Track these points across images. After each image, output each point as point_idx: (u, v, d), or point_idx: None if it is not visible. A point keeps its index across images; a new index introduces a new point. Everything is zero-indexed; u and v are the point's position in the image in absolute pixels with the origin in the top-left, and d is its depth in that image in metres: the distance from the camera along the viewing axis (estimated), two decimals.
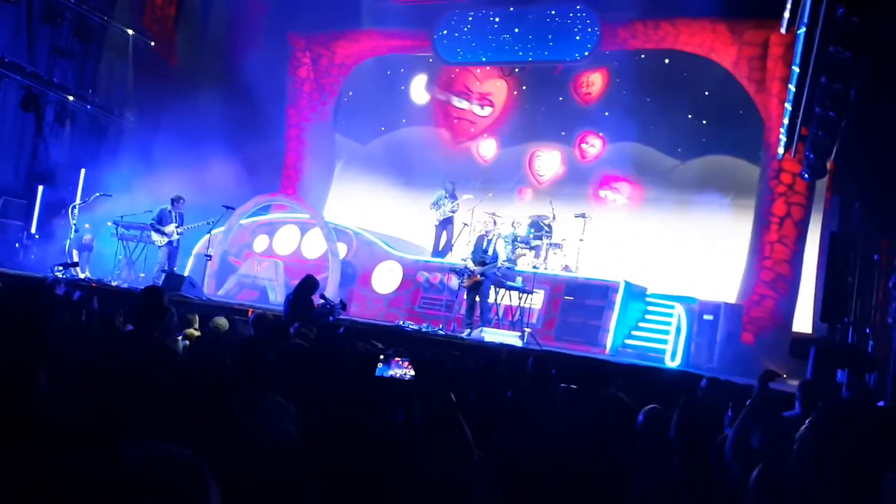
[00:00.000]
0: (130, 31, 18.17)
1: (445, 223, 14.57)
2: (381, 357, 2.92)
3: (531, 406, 4.69)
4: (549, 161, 17.47)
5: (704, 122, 15.55)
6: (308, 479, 2.80)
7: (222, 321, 7.30)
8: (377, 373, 2.89)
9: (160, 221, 13.34)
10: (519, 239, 13.51)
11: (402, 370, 2.89)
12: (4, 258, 14.04)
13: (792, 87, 9.35)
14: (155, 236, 13.34)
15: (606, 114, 16.27)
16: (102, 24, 17.70)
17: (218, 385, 3.97)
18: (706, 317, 12.17)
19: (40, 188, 16.24)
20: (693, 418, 3.82)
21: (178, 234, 13.26)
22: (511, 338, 10.50)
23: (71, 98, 17.26)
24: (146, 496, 1.55)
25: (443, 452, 2.58)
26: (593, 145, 16.95)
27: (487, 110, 18.16)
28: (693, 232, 14.68)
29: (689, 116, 15.63)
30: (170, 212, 13.37)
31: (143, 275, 14.31)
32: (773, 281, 13.46)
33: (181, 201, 13.46)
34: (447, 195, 14.58)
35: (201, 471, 1.63)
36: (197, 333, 6.95)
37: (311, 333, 6.13)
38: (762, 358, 12.37)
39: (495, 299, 11.97)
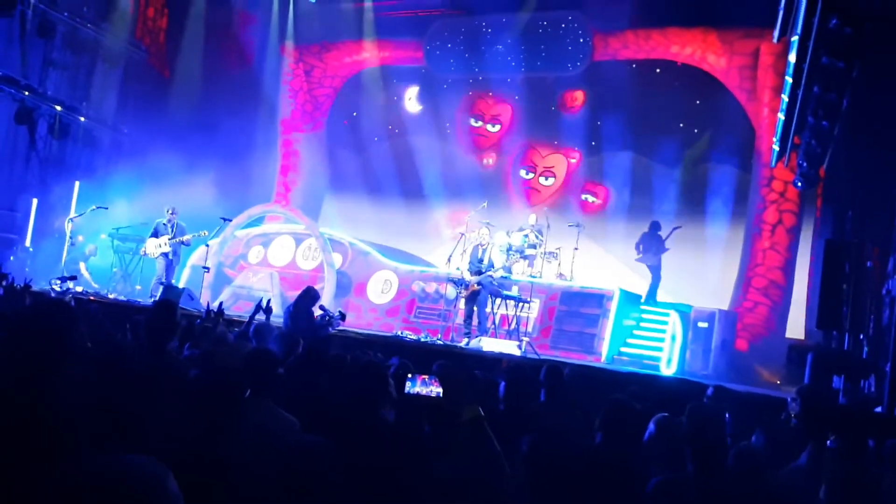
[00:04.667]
0: (123, 44, 18.18)
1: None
2: (409, 374, 2.97)
3: (546, 415, 4.76)
4: (542, 171, 17.56)
5: (696, 130, 15.69)
6: (329, 493, 2.84)
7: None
8: (405, 390, 2.95)
9: (156, 234, 13.36)
10: (513, 248, 13.57)
11: (429, 387, 2.94)
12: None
13: (785, 97, 9.46)
14: (148, 247, 13.34)
15: (598, 123, 16.41)
16: (95, 37, 17.71)
17: (227, 397, 4.01)
18: (701, 324, 12.29)
19: (34, 201, 16.21)
20: (701, 425, 3.89)
21: (166, 245, 13.23)
22: (510, 347, 10.55)
23: (64, 110, 17.25)
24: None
25: (473, 464, 2.64)
26: (583, 154, 17.08)
27: (497, 127, 18.24)
28: (685, 240, 14.78)
29: (681, 125, 15.76)
30: (165, 224, 13.39)
31: (139, 287, 14.31)
32: (765, 288, 13.59)
33: (174, 213, 13.48)
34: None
35: (166, 486, 1.65)
36: None
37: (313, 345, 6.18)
38: (756, 365, 12.51)
39: (492, 309, 12.02)
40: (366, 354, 6.56)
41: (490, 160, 18.17)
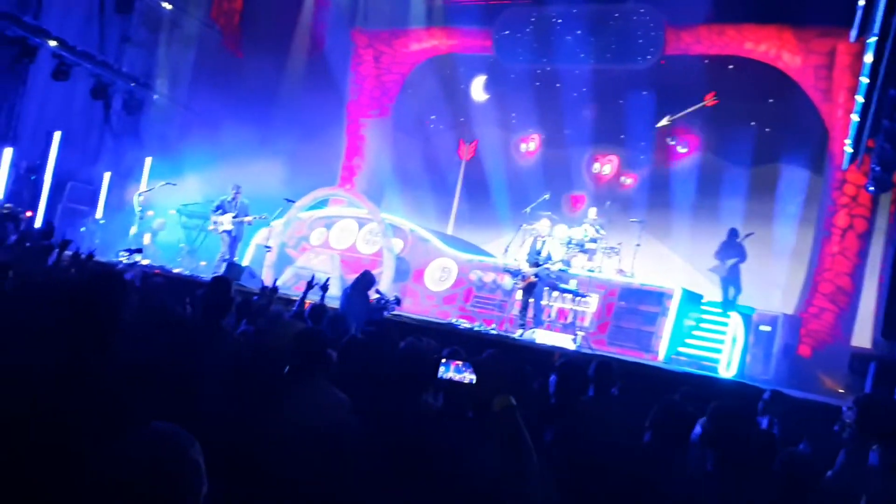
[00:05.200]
0: (198, 23, 18.52)
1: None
2: (443, 359, 2.98)
3: (593, 410, 4.73)
4: (607, 165, 17.39)
5: (767, 129, 15.32)
6: (364, 470, 2.86)
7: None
8: (438, 375, 2.95)
9: (221, 210, 13.51)
10: (573, 242, 13.45)
11: (463, 373, 2.94)
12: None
13: (860, 98, 9.20)
14: (213, 222, 13.48)
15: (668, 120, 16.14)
16: (171, 16, 18.08)
17: (277, 374, 4.08)
18: (763, 328, 12.03)
19: (107, 175, 16.65)
20: (722, 425, 3.85)
21: (229, 223, 13.30)
22: (564, 340, 10.49)
23: (138, 86, 17.66)
24: (137, 478, 1.62)
25: (502, 454, 2.64)
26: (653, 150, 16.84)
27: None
28: (752, 241, 14.47)
29: (752, 124, 15.41)
30: (230, 202, 13.57)
31: (203, 263, 14.59)
32: (832, 294, 13.23)
33: (238, 192, 13.59)
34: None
35: (195, 460, 1.69)
36: None
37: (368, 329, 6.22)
38: (819, 372, 12.21)
39: (548, 301, 11.95)
40: (420, 341, 6.59)
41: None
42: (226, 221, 13.35)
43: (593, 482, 3.42)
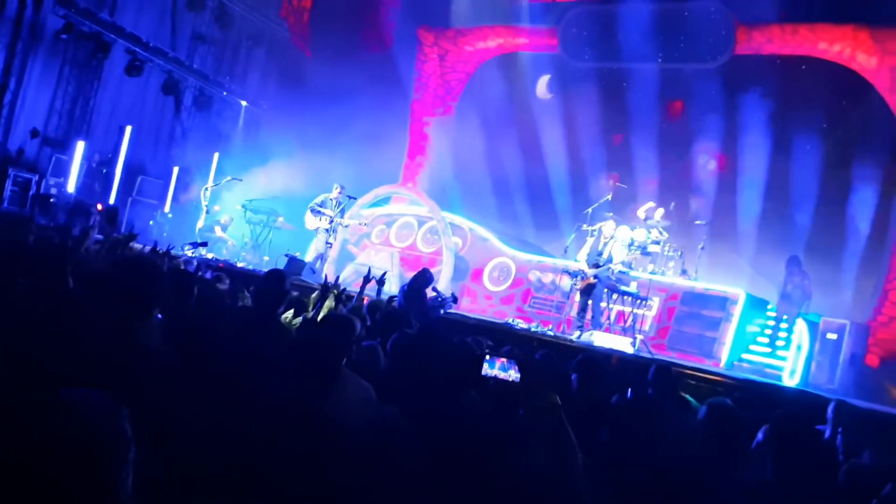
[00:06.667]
0: (268, 21, 18.81)
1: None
2: (487, 356, 2.95)
3: (648, 415, 4.66)
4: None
5: (840, 132, 14.88)
6: (409, 464, 2.85)
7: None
8: (482, 372, 2.93)
9: (321, 207, 13.31)
10: (636, 243, 13.25)
11: (508, 371, 2.91)
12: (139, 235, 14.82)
13: None
14: (308, 223, 13.38)
15: (736, 119, 15.79)
16: (242, 14, 18.40)
17: (324, 365, 4.10)
18: (830, 335, 11.68)
19: (175, 169, 17.03)
20: (785, 431, 3.75)
21: (326, 222, 13.11)
22: (622, 343, 10.35)
23: (208, 83, 18.02)
24: (62, 436, 1.62)
25: (546, 453, 2.61)
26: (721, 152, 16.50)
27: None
28: (820, 246, 14.08)
29: (824, 126, 14.99)
30: (332, 199, 13.30)
31: (266, 258, 14.79)
32: None
33: (342, 191, 13.39)
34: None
35: (120, 426, 1.69)
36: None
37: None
38: (886, 381, 11.82)
39: (607, 303, 11.80)
40: (472, 340, 6.57)
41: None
42: (323, 221, 13.25)
43: (647, 484, 3.37)
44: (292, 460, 2.64)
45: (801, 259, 12.76)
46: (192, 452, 2.50)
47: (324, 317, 5.93)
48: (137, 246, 8.87)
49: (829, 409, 5.66)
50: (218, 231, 15.14)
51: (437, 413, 3.32)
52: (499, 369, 2.92)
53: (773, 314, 12.64)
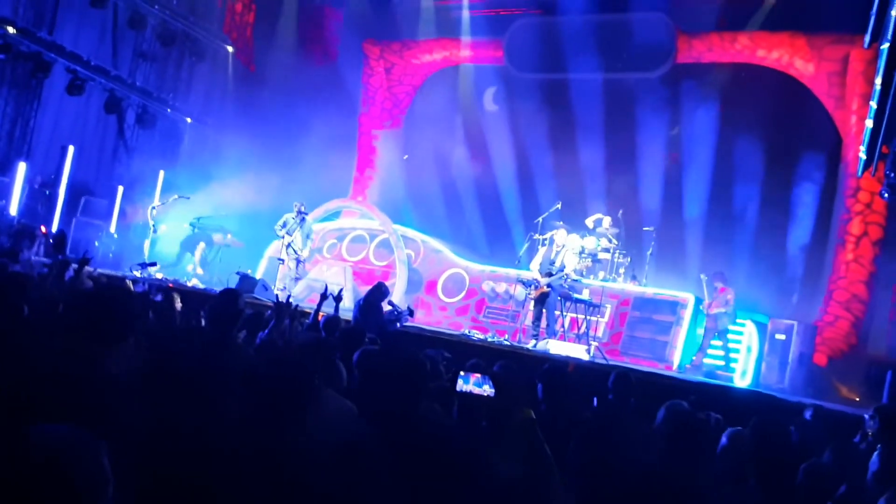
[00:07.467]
0: (211, 37, 18.63)
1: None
2: (462, 372, 2.96)
3: (615, 422, 4.69)
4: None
5: (780, 137, 15.22)
6: (379, 480, 2.84)
7: None
8: (457, 388, 2.93)
9: (285, 228, 13.18)
10: (586, 251, 13.39)
11: (482, 386, 2.92)
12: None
13: (874, 104, 9.15)
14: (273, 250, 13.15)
15: (678, 127, 16.08)
16: (184, 30, 18.18)
17: (288, 384, 4.05)
18: (778, 336, 11.94)
19: (120, 188, 16.74)
20: (767, 438, 3.80)
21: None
22: (577, 351, 10.44)
23: (151, 101, 17.76)
24: (41, 476, 1.59)
25: (523, 466, 2.62)
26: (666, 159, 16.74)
27: None
28: (764, 248, 14.39)
29: (766, 131, 15.31)
30: (293, 219, 13.20)
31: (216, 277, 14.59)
32: (847, 301, 13.12)
33: (303, 208, 13.34)
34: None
35: (97, 460, 1.67)
36: None
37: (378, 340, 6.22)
38: (835, 380, 12.11)
39: (561, 311, 11.90)
40: (438, 352, 6.55)
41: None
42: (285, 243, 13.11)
43: (618, 493, 3.39)
44: (267, 482, 2.61)
45: (725, 274, 12.41)
46: (163, 481, 2.46)
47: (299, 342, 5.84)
48: (88, 269, 8.66)
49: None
50: (199, 250, 14.81)
51: (408, 428, 3.31)
52: (473, 385, 2.92)
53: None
